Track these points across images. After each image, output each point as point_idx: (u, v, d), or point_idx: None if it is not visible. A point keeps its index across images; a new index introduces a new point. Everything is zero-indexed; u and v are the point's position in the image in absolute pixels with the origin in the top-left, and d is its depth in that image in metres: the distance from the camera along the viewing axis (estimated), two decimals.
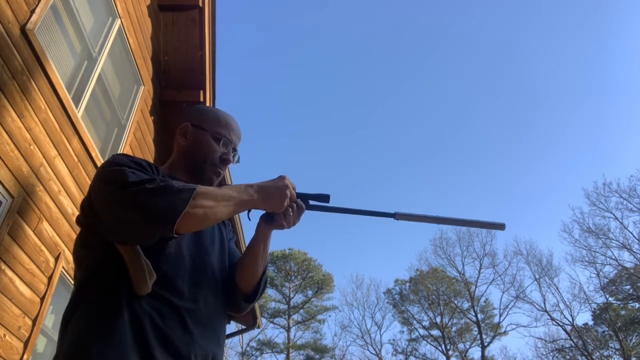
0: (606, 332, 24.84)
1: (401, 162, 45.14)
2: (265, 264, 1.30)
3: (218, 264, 1.26)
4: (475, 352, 27.92)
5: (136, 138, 4.68)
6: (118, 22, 4.18)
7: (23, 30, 2.85)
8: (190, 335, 1.08)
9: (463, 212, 42.42)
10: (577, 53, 39.45)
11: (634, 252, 22.53)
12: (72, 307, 1.06)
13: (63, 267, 3.41)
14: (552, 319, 25.01)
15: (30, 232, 3.02)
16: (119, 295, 1.03)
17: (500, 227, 1.31)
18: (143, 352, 0.99)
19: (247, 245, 1.30)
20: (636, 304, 24.35)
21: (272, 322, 29.68)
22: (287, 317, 29.68)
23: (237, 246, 1.48)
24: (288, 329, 29.40)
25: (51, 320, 3.54)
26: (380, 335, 33.25)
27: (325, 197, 1.25)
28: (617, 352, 24.18)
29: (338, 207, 1.26)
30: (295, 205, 1.21)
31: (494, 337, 27.11)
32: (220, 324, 1.21)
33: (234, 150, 1.37)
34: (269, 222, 1.24)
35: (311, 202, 1.25)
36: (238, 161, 1.39)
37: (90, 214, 1.09)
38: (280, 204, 1.14)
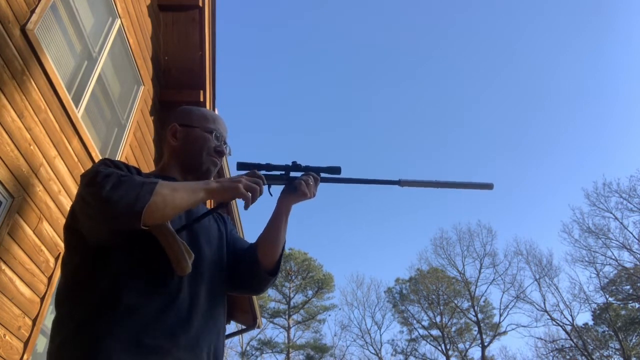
0: (606, 332, 24.83)
1: (401, 159, 45.14)
2: (285, 237, 1.35)
3: (216, 259, 1.27)
4: (475, 352, 27.95)
5: (136, 138, 4.68)
6: (118, 22, 4.18)
7: (23, 30, 2.85)
8: (193, 327, 1.09)
9: (463, 212, 42.45)
10: (578, 53, 39.47)
11: (634, 252, 22.55)
12: (60, 309, 1.10)
13: None
14: (552, 319, 25.02)
15: (30, 232, 3.02)
16: (115, 294, 1.04)
17: (489, 186, 1.46)
18: (144, 345, 1.00)
19: (268, 221, 1.35)
20: (636, 304, 24.35)
21: (272, 322, 29.67)
22: (287, 317, 29.67)
23: None
24: (288, 329, 29.39)
25: (51, 320, 3.54)
26: (380, 335, 33.28)
27: (336, 170, 1.36)
28: (617, 352, 24.18)
29: (345, 177, 1.36)
30: (311, 177, 1.33)
31: (493, 337, 27.10)
32: (219, 318, 1.22)
33: (224, 143, 1.40)
34: (292, 192, 1.32)
35: (323, 175, 1.36)
36: (230, 153, 1.43)
37: (76, 217, 1.12)
38: (233, 188, 1.12)
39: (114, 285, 1.04)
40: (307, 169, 1.35)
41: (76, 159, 3.56)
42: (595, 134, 39.71)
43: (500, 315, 27.04)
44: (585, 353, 23.47)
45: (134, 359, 0.98)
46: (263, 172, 1.29)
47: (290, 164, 1.34)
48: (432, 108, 43.67)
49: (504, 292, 27.23)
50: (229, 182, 1.13)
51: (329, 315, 33.53)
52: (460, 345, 28.47)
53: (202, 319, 1.13)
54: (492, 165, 42.23)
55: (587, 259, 24.11)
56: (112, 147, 4.33)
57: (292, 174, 1.35)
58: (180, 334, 1.05)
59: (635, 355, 23.20)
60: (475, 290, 28.13)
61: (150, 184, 1.02)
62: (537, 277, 25.97)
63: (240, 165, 1.29)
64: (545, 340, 25.42)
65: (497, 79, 42.69)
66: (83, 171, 3.61)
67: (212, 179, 1.27)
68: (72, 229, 1.14)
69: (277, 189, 1.34)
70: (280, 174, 1.34)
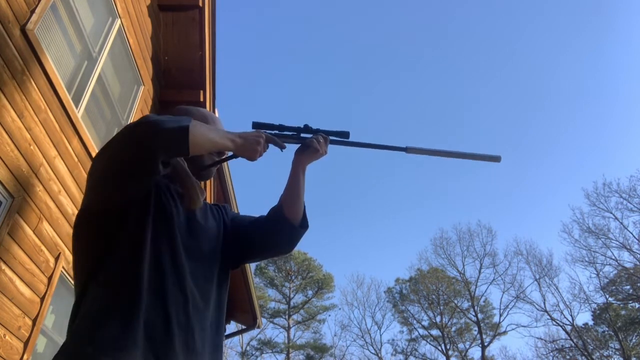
0: (606, 332, 24.84)
1: (401, 159, 45.15)
2: (304, 195, 1.42)
3: (214, 254, 1.28)
4: (475, 352, 27.96)
5: None
6: (118, 22, 4.18)
7: (23, 30, 2.85)
8: (190, 323, 1.09)
9: (462, 214, 42.49)
10: (578, 53, 39.49)
11: (634, 252, 22.56)
12: (79, 301, 1.08)
13: (63, 267, 3.41)
14: (552, 319, 25.03)
15: (30, 232, 3.02)
16: (123, 286, 1.04)
17: (496, 159, 1.47)
18: (148, 339, 1.00)
19: (288, 182, 1.41)
20: (636, 304, 24.36)
21: (272, 322, 29.67)
22: (287, 317, 29.67)
23: None
24: (288, 329, 29.39)
25: (51, 320, 3.54)
26: (380, 335, 33.22)
27: (345, 134, 1.42)
28: (617, 352, 24.19)
29: (353, 141, 1.42)
30: (321, 136, 1.39)
31: (493, 337, 27.11)
32: (217, 314, 1.22)
33: None
34: (304, 151, 1.39)
35: (332, 138, 1.42)
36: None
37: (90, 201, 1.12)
38: (253, 150, 1.22)
39: (117, 283, 1.05)
40: (317, 132, 1.42)
41: (76, 159, 3.56)
42: (595, 134, 39.76)
43: (500, 315, 27.09)
44: (585, 353, 23.48)
45: (130, 358, 0.97)
46: (276, 132, 1.38)
47: (302, 126, 1.42)
48: (432, 108, 43.73)
49: (504, 292, 27.27)
50: (252, 144, 1.22)
51: (329, 315, 33.54)
52: (460, 345, 28.50)
53: (198, 314, 1.13)
54: (492, 165, 42.12)
55: (587, 259, 24.15)
56: None
57: (303, 135, 1.42)
58: (176, 331, 1.05)
59: (635, 355, 23.21)
60: (475, 290, 28.16)
61: (186, 118, 1.08)
62: (537, 277, 26.01)
63: (256, 125, 1.36)
64: (545, 340, 25.46)
65: (497, 79, 42.74)
66: (83, 172, 3.62)
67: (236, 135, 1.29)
68: (85, 220, 1.13)
69: (289, 152, 1.42)
70: (292, 134, 1.41)
